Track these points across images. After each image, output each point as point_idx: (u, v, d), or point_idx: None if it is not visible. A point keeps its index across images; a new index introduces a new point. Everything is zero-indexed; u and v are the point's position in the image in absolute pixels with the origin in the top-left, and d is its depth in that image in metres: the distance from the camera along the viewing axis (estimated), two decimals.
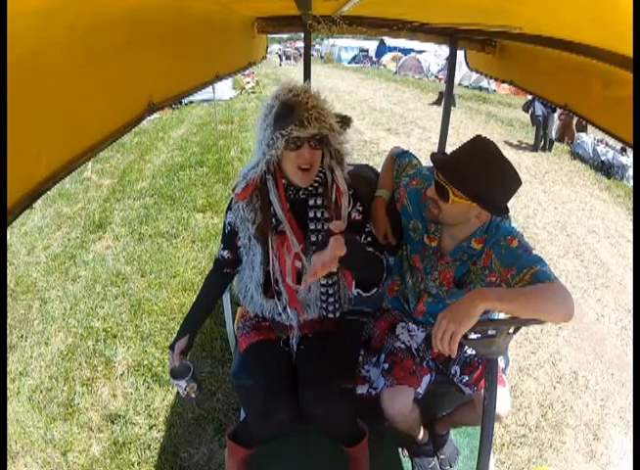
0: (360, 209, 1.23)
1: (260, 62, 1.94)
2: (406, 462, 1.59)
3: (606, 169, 6.07)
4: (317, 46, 28.49)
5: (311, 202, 1.18)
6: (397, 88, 13.58)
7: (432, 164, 1.15)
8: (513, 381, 2.19)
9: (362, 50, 23.82)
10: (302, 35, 1.74)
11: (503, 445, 1.83)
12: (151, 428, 1.86)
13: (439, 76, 15.16)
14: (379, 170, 1.51)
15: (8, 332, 2.44)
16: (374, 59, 22.84)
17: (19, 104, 0.42)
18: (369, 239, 1.23)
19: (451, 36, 1.72)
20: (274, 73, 16.53)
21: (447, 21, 1.43)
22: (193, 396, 1.22)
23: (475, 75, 12.70)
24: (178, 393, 2.00)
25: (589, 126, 6.41)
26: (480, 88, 13.80)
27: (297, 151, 1.06)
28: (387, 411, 1.25)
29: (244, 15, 1.47)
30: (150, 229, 3.72)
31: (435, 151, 1.63)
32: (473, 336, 0.95)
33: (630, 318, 2.79)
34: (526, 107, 7.25)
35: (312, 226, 1.19)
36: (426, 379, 1.30)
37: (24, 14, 0.41)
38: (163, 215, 3.99)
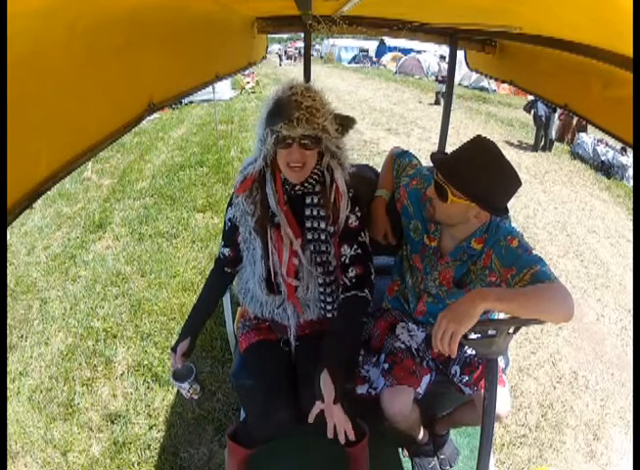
0: (358, 214, 1.20)
1: (260, 62, 1.94)
2: (406, 462, 1.59)
3: (606, 169, 6.08)
4: (317, 46, 28.49)
5: (308, 200, 1.17)
6: (397, 88, 13.60)
7: (432, 164, 1.15)
8: (513, 381, 2.19)
9: (362, 50, 23.83)
10: (302, 35, 1.74)
11: (503, 445, 1.83)
12: (151, 428, 1.86)
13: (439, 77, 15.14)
14: (379, 170, 1.51)
15: (8, 332, 2.44)
16: (374, 59, 22.86)
17: (19, 104, 0.41)
18: (358, 251, 1.20)
19: (451, 36, 1.72)
20: (274, 73, 16.54)
21: (447, 21, 1.43)
22: (195, 397, 1.22)
23: (475, 75, 12.70)
24: (178, 393, 2.01)
25: (589, 126, 6.41)
26: (481, 88, 13.81)
27: (287, 149, 1.05)
28: (387, 411, 1.25)
29: (244, 15, 1.47)
30: (150, 229, 3.72)
31: (435, 151, 1.63)
32: (473, 336, 0.95)
33: (630, 318, 2.79)
34: (528, 107, 7.25)
35: (309, 224, 1.18)
36: (426, 379, 1.30)
37: (24, 14, 0.41)
38: (163, 215, 3.99)
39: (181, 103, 9.36)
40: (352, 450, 1.38)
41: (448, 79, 2.00)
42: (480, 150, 1.07)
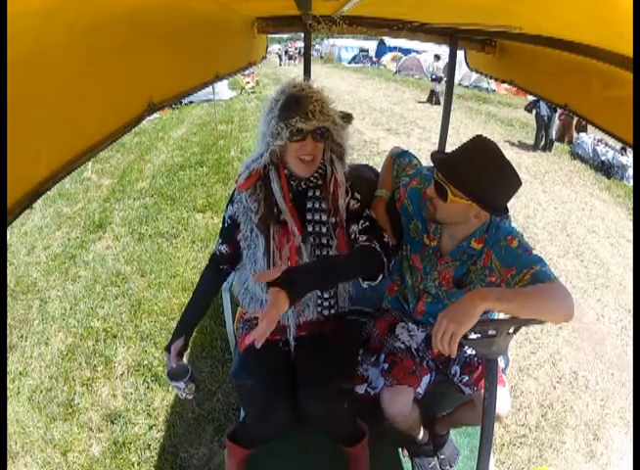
0: (358, 197, 1.23)
1: (260, 62, 1.94)
2: (406, 462, 1.59)
3: (606, 169, 6.08)
4: (317, 46, 28.49)
5: (310, 193, 1.19)
6: (397, 88, 13.59)
7: (432, 164, 1.15)
8: (513, 381, 2.19)
9: (362, 50, 23.81)
10: (302, 35, 1.74)
11: (503, 445, 1.83)
12: (151, 428, 1.86)
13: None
14: (379, 170, 1.51)
15: (8, 332, 2.44)
16: (374, 59, 22.83)
17: (19, 104, 0.41)
18: (366, 223, 1.19)
19: (451, 36, 1.72)
20: (274, 73, 16.53)
21: (447, 21, 1.43)
22: (191, 397, 1.22)
23: (475, 75, 12.69)
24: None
25: (589, 126, 6.41)
26: (480, 88, 13.81)
27: (300, 142, 1.07)
28: (386, 411, 1.25)
29: (244, 15, 1.47)
30: (150, 229, 3.72)
31: (435, 151, 1.63)
32: (473, 336, 0.95)
33: (630, 318, 2.79)
34: (530, 107, 7.25)
35: (309, 217, 1.19)
36: (426, 379, 1.30)
37: (24, 14, 0.41)
38: (163, 215, 3.99)
39: (181, 103, 9.35)
40: (352, 450, 1.38)
41: (448, 79, 2.00)
42: (481, 150, 1.07)
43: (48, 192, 0.51)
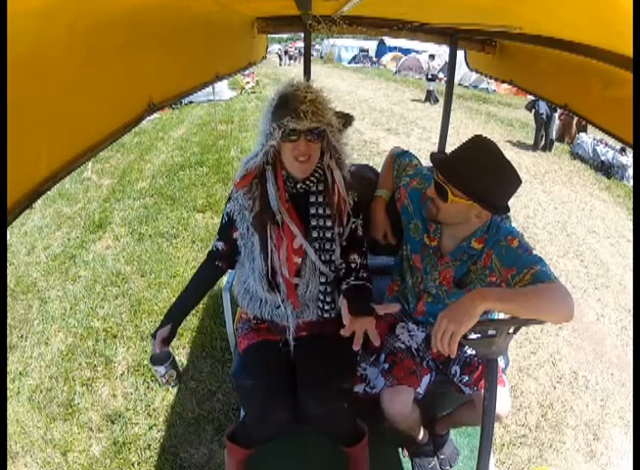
0: (361, 222, 1.27)
1: (260, 62, 1.94)
2: (406, 462, 1.59)
3: (606, 169, 6.08)
4: (317, 46, 28.48)
5: (312, 198, 1.19)
6: (397, 88, 13.59)
7: (432, 164, 1.15)
8: (513, 381, 2.19)
9: (362, 50, 23.81)
10: (302, 35, 1.74)
11: (503, 445, 1.83)
12: (151, 428, 1.86)
13: (439, 76, 15.16)
14: (379, 170, 1.51)
15: (8, 332, 2.44)
16: (374, 59, 22.83)
17: (19, 104, 0.41)
18: (365, 261, 1.28)
19: (451, 36, 1.72)
20: (274, 73, 16.53)
21: (447, 21, 1.43)
22: (172, 384, 1.22)
23: (475, 75, 12.69)
24: (178, 393, 2.01)
25: (589, 126, 6.41)
26: (480, 88, 13.81)
27: (293, 142, 1.07)
28: (387, 411, 1.25)
29: (244, 15, 1.47)
30: (150, 229, 3.72)
31: (435, 151, 1.63)
32: (473, 336, 0.95)
33: (630, 318, 2.79)
34: (530, 106, 7.25)
35: (314, 222, 1.20)
36: (426, 379, 1.30)
37: (24, 14, 0.41)
38: (163, 215, 3.99)
39: (181, 103, 9.35)
40: (352, 450, 1.38)
41: (448, 79, 2.00)
42: (480, 149, 1.07)
43: (48, 192, 0.51)
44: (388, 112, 9.46)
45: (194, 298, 1.32)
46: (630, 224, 4.37)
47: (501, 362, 1.41)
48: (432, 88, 11.00)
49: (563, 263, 3.48)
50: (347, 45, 24.43)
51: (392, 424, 1.31)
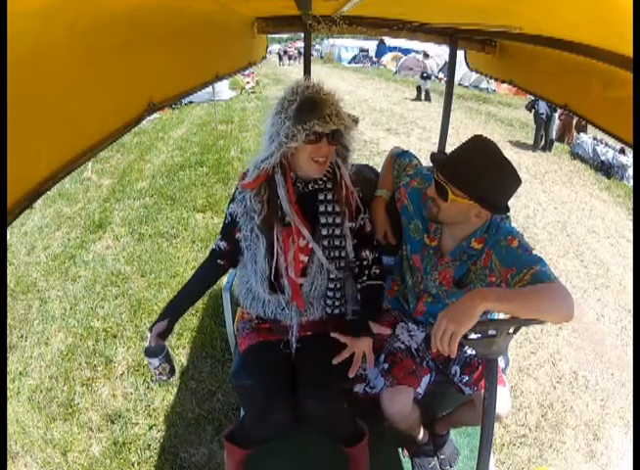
0: (368, 217, 1.29)
1: (260, 62, 1.94)
2: (406, 462, 1.59)
3: (606, 169, 6.08)
4: (317, 46, 28.48)
5: (321, 196, 1.20)
6: (397, 88, 13.59)
7: (432, 164, 1.15)
8: (513, 381, 2.19)
9: (362, 50, 23.81)
10: (302, 35, 1.74)
11: (503, 445, 1.83)
12: (151, 428, 1.86)
13: (439, 76, 15.17)
14: (379, 170, 1.51)
15: (8, 332, 2.44)
16: (374, 59, 22.84)
17: (19, 104, 0.41)
18: (376, 254, 1.30)
19: (451, 36, 1.72)
20: (274, 73, 16.53)
21: (447, 21, 1.43)
22: (165, 377, 1.22)
23: (475, 75, 12.69)
24: (178, 392, 2.01)
25: (589, 126, 6.42)
26: (480, 88, 13.81)
27: (315, 144, 1.09)
28: (386, 411, 1.25)
29: (244, 15, 1.47)
30: (150, 229, 3.72)
31: (435, 151, 1.63)
32: (473, 336, 0.95)
33: (630, 318, 2.79)
34: (530, 106, 7.25)
35: (323, 220, 1.21)
36: (426, 379, 1.30)
37: (24, 14, 0.41)
38: (163, 215, 3.99)
39: (181, 103, 9.36)
40: (352, 450, 1.38)
41: (448, 79, 2.00)
42: (480, 149, 1.07)
43: (48, 192, 0.51)
44: (387, 112, 9.46)
45: (194, 295, 1.32)
46: (630, 224, 4.37)
47: (501, 362, 1.41)
48: (427, 86, 11.08)
49: (563, 263, 3.48)
50: (347, 45, 24.43)
51: (392, 424, 1.31)
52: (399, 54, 19.96)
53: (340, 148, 1.18)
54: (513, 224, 1.22)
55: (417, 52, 18.01)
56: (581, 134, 7.04)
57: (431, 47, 14.58)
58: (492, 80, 9.84)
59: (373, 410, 1.27)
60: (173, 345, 2.29)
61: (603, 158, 6.21)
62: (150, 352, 1.19)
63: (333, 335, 1.19)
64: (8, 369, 2.18)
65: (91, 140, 0.58)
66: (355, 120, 1.17)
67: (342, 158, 1.22)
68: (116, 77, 0.62)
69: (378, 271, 1.29)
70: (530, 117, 7.47)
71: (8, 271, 3.07)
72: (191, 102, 9.65)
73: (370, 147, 6.48)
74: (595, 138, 6.67)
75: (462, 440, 1.70)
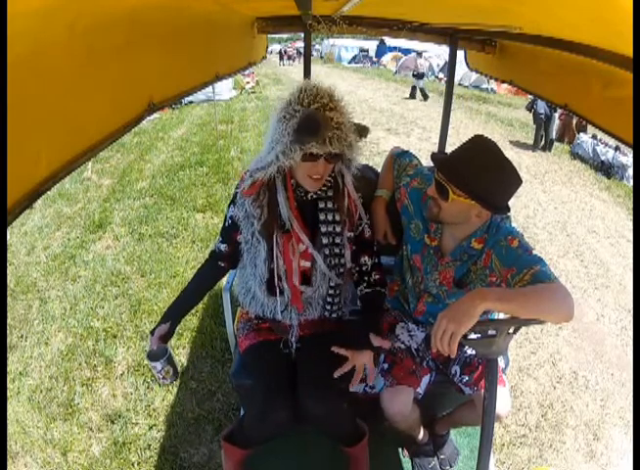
0: (369, 223, 1.26)
1: (260, 62, 1.94)
2: (406, 462, 1.59)
3: (606, 169, 6.08)
4: (317, 46, 28.48)
5: (322, 205, 1.19)
6: (397, 88, 13.59)
7: (432, 164, 1.15)
8: (513, 381, 2.19)
9: (362, 50, 23.81)
10: (302, 35, 1.74)
11: (503, 445, 1.83)
12: (151, 428, 1.86)
13: (439, 76, 15.18)
14: (379, 170, 1.51)
15: (8, 332, 2.44)
16: (374, 59, 22.84)
17: (19, 104, 0.41)
18: (376, 259, 1.28)
19: (451, 36, 1.72)
20: (274, 73, 16.52)
21: (447, 21, 1.43)
22: (168, 380, 1.22)
23: (475, 75, 12.69)
24: (178, 392, 2.01)
25: (589, 126, 6.42)
26: (480, 88, 13.80)
27: (312, 162, 1.06)
28: (386, 411, 1.25)
29: (244, 15, 1.47)
30: (150, 229, 3.72)
31: (436, 151, 1.63)
32: (473, 336, 0.95)
33: (630, 318, 2.79)
34: (530, 106, 7.26)
35: (324, 229, 1.19)
36: (425, 379, 1.30)
37: (24, 14, 0.41)
38: (163, 215, 3.99)
39: (181, 103, 9.35)
40: (352, 450, 1.38)
41: (448, 79, 2.00)
42: (480, 149, 1.07)
43: (48, 192, 0.51)
44: (388, 112, 9.45)
45: (194, 297, 1.31)
46: (630, 224, 4.37)
47: (501, 362, 1.41)
48: (421, 85, 11.16)
49: (563, 263, 3.48)
50: (347, 45, 24.42)
51: (392, 424, 1.31)
52: (399, 54, 19.96)
53: (343, 160, 1.14)
54: (513, 224, 1.22)
55: (417, 52, 18.02)
56: (581, 134, 7.04)
57: (431, 47, 14.60)
58: (492, 80, 9.85)
59: (373, 410, 1.27)
60: (173, 345, 2.29)
61: (603, 158, 6.21)
62: (152, 356, 1.19)
63: (334, 349, 1.16)
64: (8, 369, 2.18)
65: (91, 140, 0.58)
66: (363, 131, 1.12)
67: (347, 165, 1.17)
68: (116, 77, 0.62)
69: (378, 277, 1.27)
70: (530, 117, 7.47)
71: (8, 271, 3.07)
72: (191, 102, 9.65)
73: (370, 147, 6.47)
74: (595, 136, 6.67)
75: (462, 440, 1.70)
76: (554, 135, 7.26)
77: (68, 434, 1.85)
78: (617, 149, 6.11)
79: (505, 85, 8.92)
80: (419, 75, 11.28)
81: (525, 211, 4.47)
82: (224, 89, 10.22)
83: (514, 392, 2.11)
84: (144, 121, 0.78)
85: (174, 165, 5.46)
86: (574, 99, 1.23)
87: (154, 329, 1.22)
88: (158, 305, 2.66)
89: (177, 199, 4.38)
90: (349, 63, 22.92)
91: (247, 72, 11.38)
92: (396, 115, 9.17)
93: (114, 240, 3.60)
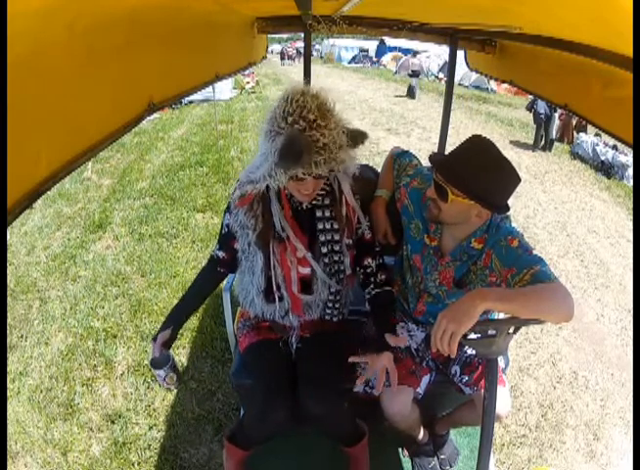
0: (368, 224, 1.25)
1: (260, 62, 1.94)
2: (406, 462, 1.59)
3: (606, 169, 6.08)
4: (317, 46, 28.47)
5: (319, 213, 1.17)
6: (397, 88, 13.57)
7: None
8: (513, 381, 2.19)
9: (362, 50, 23.80)
10: (302, 35, 1.74)
11: (503, 445, 1.83)
12: (151, 428, 1.86)
13: (439, 76, 15.18)
14: (379, 170, 1.51)
15: (8, 332, 2.44)
16: (374, 59, 22.83)
17: (19, 104, 0.41)
18: (380, 260, 1.27)
19: (451, 36, 1.72)
20: (274, 73, 16.52)
21: (447, 21, 1.43)
22: (172, 386, 1.23)
23: (475, 75, 12.69)
24: (178, 393, 2.01)
25: (589, 126, 6.43)
26: (480, 88, 13.81)
27: (300, 181, 1.03)
28: (386, 411, 1.25)
29: (244, 15, 1.47)
30: (150, 229, 3.72)
31: (435, 151, 1.63)
32: (472, 336, 0.95)
33: (630, 318, 2.79)
34: (530, 106, 7.26)
35: (322, 238, 1.19)
36: (425, 379, 1.30)
37: (24, 14, 0.41)
38: (163, 215, 3.99)
39: (181, 103, 9.35)
40: (352, 450, 1.38)
41: (448, 79, 2.00)
42: (478, 149, 1.07)
43: (48, 192, 0.51)
44: (388, 112, 9.45)
45: (195, 301, 1.31)
46: (630, 224, 4.37)
47: (501, 362, 1.41)
48: (414, 84, 11.30)
49: (563, 263, 3.48)
50: (347, 45, 24.42)
51: (392, 424, 1.31)
52: (399, 54, 19.95)
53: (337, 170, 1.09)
54: (513, 224, 1.22)
55: (417, 52, 18.02)
56: (581, 134, 7.05)
57: (431, 47, 14.59)
58: (492, 80, 9.85)
59: (373, 410, 1.27)
60: (173, 345, 2.29)
61: (603, 158, 6.22)
62: (156, 364, 1.19)
63: (352, 359, 1.14)
64: (8, 369, 2.18)
65: (91, 140, 0.58)
66: (361, 137, 1.06)
67: (344, 170, 1.12)
68: (116, 77, 0.62)
69: (384, 277, 1.26)
70: (530, 118, 7.47)
71: (8, 271, 3.07)
72: (191, 102, 9.65)
73: (370, 147, 6.47)
74: (598, 135, 6.66)
75: (462, 440, 1.70)
76: (554, 135, 7.26)
77: (68, 434, 1.85)
78: (614, 148, 6.11)
79: (505, 85, 8.91)
80: (414, 74, 11.43)
81: (526, 211, 4.47)
82: (224, 89, 10.22)
83: (514, 392, 2.11)
84: (144, 121, 0.78)
85: (174, 165, 5.46)
86: (574, 99, 1.23)
87: (156, 335, 1.22)
88: (158, 306, 2.66)
89: (177, 199, 4.38)
90: (349, 63, 22.91)
91: (247, 72, 11.38)
92: (396, 115, 9.16)
93: (114, 240, 3.60)
